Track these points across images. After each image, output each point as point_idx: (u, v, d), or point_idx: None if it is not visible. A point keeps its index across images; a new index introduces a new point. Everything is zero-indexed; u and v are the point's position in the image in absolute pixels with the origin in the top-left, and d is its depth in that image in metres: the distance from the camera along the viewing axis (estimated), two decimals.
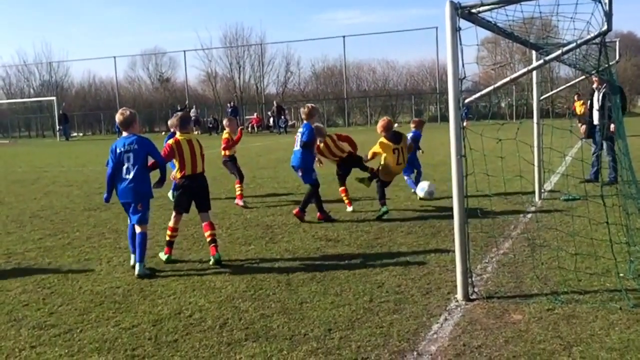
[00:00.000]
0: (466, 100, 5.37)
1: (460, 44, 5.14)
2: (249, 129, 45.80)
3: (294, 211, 9.34)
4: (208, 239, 7.06)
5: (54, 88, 58.11)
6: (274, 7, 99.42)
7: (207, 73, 58.51)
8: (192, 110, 46.79)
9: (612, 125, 10.40)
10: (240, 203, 11.29)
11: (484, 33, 6.09)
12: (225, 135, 11.71)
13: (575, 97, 25.37)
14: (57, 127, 46.87)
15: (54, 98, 48.45)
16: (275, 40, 69.28)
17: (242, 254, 7.42)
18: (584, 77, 11.90)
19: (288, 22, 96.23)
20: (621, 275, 5.58)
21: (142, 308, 5.58)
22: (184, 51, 54.46)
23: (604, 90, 11.20)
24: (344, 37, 49.25)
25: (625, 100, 11.96)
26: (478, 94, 5.56)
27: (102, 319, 5.35)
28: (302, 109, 9.76)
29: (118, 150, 6.63)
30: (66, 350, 4.68)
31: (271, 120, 44.97)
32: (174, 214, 7.15)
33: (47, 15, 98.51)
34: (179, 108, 46.17)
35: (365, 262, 6.80)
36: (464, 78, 5.21)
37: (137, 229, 6.70)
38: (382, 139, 9.53)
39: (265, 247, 7.73)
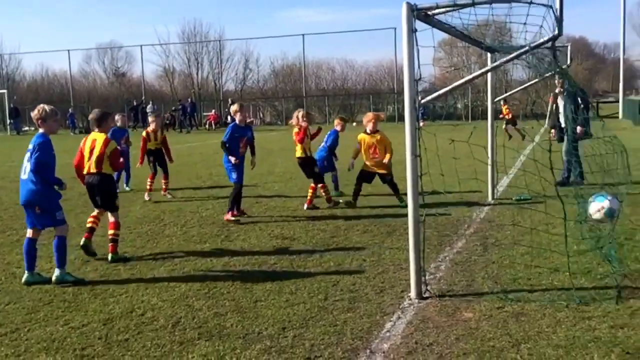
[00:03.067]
0: (422, 101, 5.43)
1: (417, 45, 5.20)
2: (207, 126, 45.34)
3: (225, 218, 9.16)
4: (109, 237, 7.09)
5: (5, 81, 56.38)
6: (233, 3, 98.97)
7: (165, 68, 57.79)
8: (149, 106, 46.05)
9: (579, 128, 10.60)
10: (153, 195, 11.53)
11: (442, 35, 6.20)
12: (143, 134, 11.76)
13: (502, 102, 25.81)
14: (8, 121, 45.55)
15: (4, 91, 46.99)
16: (234, 37, 68.76)
17: (196, 253, 7.35)
18: (537, 80, 12.15)
19: (247, 19, 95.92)
20: (567, 273, 5.73)
21: (92, 307, 5.47)
22: (141, 46, 53.52)
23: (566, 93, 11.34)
24: (303, 35, 49.25)
25: (587, 101, 12.13)
26: (433, 95, 5.64)
27: (50, 318, 5.23)
28: (231, 107, 9.61)
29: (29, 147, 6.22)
30: (12, 350, 4.56)
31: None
32: None
33: None
34: (135, 104, 45.50)
35: (321, 260, 6.81)
36: (419, 79, 5.27)
37: (56, 232, 6.25)
38: (386, 135, 9.98)
39: (221, 245, 7.68)
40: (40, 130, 6.34)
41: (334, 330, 4.75)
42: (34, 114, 6.37)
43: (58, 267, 6.19)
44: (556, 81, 11.78)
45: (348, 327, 4.82)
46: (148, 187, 11.52)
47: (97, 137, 7.02)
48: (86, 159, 6.99)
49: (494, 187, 10.37)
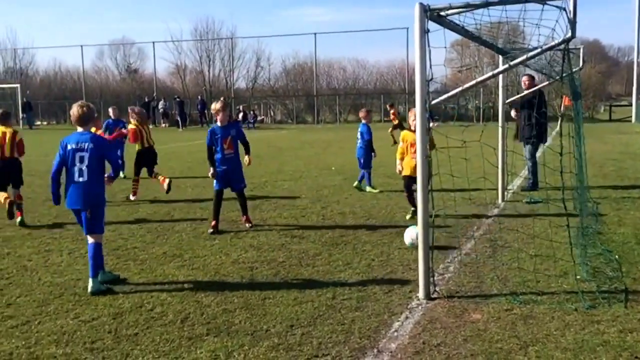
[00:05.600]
0: (433, 102, 5.43)
1: (429, 46, 5.20)
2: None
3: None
4: (16, 204, 8.98)
5: (18, 75, 56.77)
6: (246, 1, 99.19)
7: (177, 65, 57.91)
8: (160, 103, 46.19)
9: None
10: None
11: (454, 35, 6.18)
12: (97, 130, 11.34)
13: (388, 107, 25.31)
14: (21, 115, 45.85)
15: (17, 85, 47.34)
16: (246, 35, 68.90)
17: (206, 249, 7.38)
18: (548, 82, 12.08)
19: (259, 17, 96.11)
20: (578, 277, 5.71)
21: (102, 301, 5.51)
22: (153, 42, 53.61)
23: (531, 97, 11.11)
24: (315, 34, 49.26)
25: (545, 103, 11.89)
26: (444, 96, 5.64)
27: (61, 311, 5.27)
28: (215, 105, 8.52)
29: (69, 147, 5.83)
30: (23, 342, 4.61)
31: (239, 115, 44.66)
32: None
33: (13, 1, 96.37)
34: (146, 100, 45.66)
35: (330, 259, 6.83)
36: (431, 79, 5.27)
37: (89, 239, 5.89)
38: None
39: (230, 242, 7.71)
40: (80, 129, 5.93)
41: (341, 329, 4.77)
42: (78, 114, 5.90)
43: (94, 277, 5.79)
44: (523, 83, 11.66)
45: (356, 326, 4.83)
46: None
47: (7, 131, 8.96)
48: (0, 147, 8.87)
49: (504, 188, 10.34)
